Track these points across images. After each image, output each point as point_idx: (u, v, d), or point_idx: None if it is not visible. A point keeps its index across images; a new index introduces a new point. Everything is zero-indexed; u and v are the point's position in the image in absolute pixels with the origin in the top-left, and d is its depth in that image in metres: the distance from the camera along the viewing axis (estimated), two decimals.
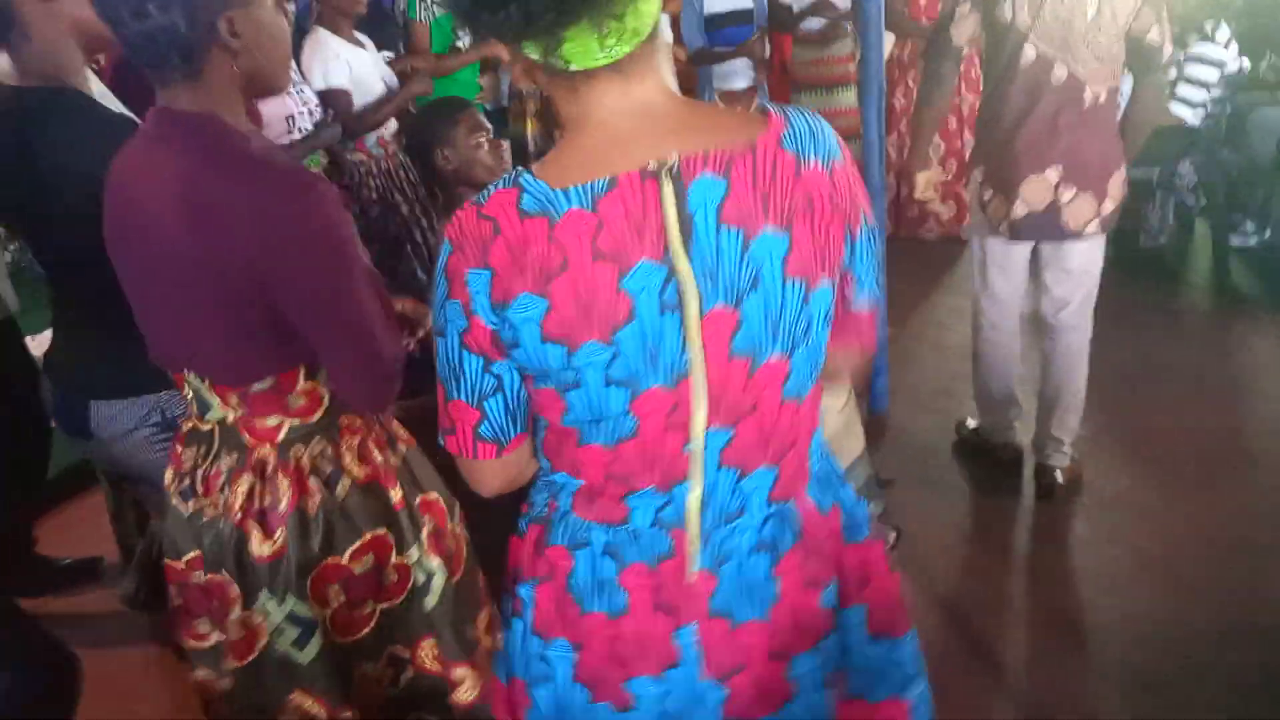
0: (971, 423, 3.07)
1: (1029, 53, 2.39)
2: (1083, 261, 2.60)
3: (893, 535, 2.54)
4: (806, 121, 0.92)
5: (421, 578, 1.43)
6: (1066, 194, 2.45)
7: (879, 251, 1.02)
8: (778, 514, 1.01)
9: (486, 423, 0.97)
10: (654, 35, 0.90)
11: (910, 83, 4.73)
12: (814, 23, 4.32)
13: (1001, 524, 2.72)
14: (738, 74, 4.35)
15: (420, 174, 2.57)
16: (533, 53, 0.87)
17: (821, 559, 1.04)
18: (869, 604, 1.08)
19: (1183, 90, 4.17)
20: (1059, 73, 2.39)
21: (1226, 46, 4.14)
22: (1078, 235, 2.51)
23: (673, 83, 0.96)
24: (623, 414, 0.93)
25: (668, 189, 0.86)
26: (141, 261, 1.25)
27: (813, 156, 0.90)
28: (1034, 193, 2.46)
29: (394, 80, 3.31)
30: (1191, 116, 4.19)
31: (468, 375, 0.95)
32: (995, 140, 2.51)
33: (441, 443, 1.01)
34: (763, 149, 0.88)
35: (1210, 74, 4.13)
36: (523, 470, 1.04)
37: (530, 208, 0.87)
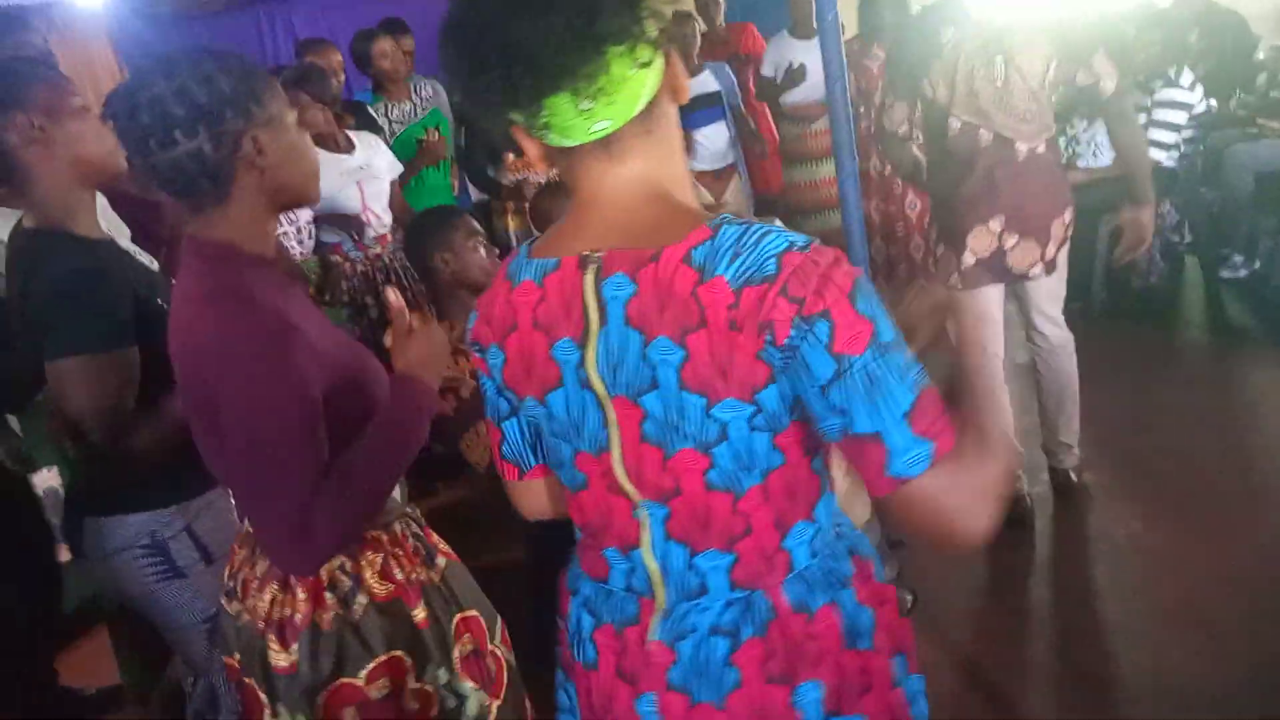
0: None
1: (954, 123, 2.64)
2: (1043, 294, 2.81)
3: (909, 599, 2.52)
4: (739, 238, 0.87)
5: (452, 702, 1.38)
6: (1010, 240, 2.65)
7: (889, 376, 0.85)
8: (742, 601, 0.98)
9: (506, 444, 1.11)
10: (648, 118, 0.92)
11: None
12: (797, 94, 4.41)
13: (1019, 581, 2.70)
14: (715, 155, 4.43)
15: (420, 276, 2.66)
16: (520, 122, 0.92)
17: (798, 657, 0.98)
18: (868, 715, 1.02)
19: (1154, 134, 4.25)
20: (985, 135, 2.61)
21: (1191, 89, 4.24)
22: (1024, 277, 2.73)
23: (681, 175, 1.00)
24: (571, 467, 1.01)
25: (589, 279, 0.93)
26: (180, 378, 1.29)
27: (720, 273, 0.86)
28: (979, 242, 2.66)
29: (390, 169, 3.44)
30: (1166, 158, 4.27)
31: (488, 397, 1.09)
32: (942, 201, 2.75)
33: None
34: (667, 258, 0.88)
35: (1178, 116, 4.23)
36: (554, 501, 1.13)
37: (510, 271, 1.01)
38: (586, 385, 0.94)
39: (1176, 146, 4.28)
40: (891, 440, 0.85)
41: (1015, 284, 2.79)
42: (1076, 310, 4.47)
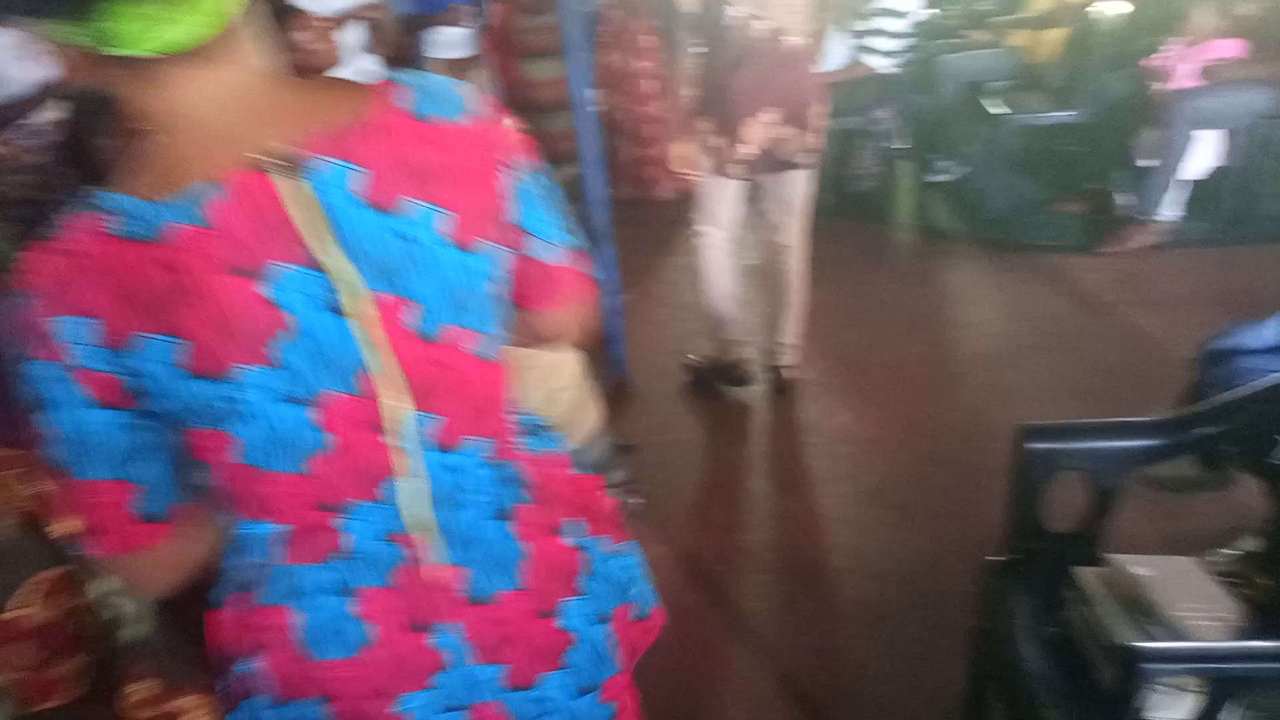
0: (695, 357, 3.25)
1: (730, 12, 2.65)
2: (794, 189, 2.91)
3: (638, 502, 2.55)
4: (431, 82, 0.86)
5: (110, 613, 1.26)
6: (778, 131, 2.73)
7: (556, 198, 0.96)
8: (501, 476, 0.96)
9: (145, 495, 0.83)
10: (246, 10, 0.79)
11: (635, 44, 4.74)
12: None
13: (739, 475, 2.81)
14: (457, 43, 4.23)
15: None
16: (79, 37, 0.72)
17: (556, 502, 1.01)
18: (600, 529, 1.06)
19: (873, 42, 4.42)
20: (759, 26, 2.64)
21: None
22: (791, 165, 2.82)
23: (262, 60, 0.83)
24: (306, 429, 0.82)
25: (285, 183, 0.77)
26: None
27: (438, 116, 0.84)
28: (752, 134, 2.71)
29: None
30: (884, 65, 4.45)
31: (99, 443, 0.80)
32: (715, 92, 2.74)
33: (84, 552, 0.84)
34: (388, 119, 0.82)
35: (896, 24, 4.40)
36: (201, 544, 0.91)
37: (123, 230, 0.75)
38: (331, 308, 0.80)
39: (894, 54, 4.47)
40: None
41: (776, 176, 2.87)
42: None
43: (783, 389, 3.13)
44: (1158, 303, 3.53)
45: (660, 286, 4.04)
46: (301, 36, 3.02)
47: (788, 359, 3.14)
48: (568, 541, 1.01)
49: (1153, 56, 3.99)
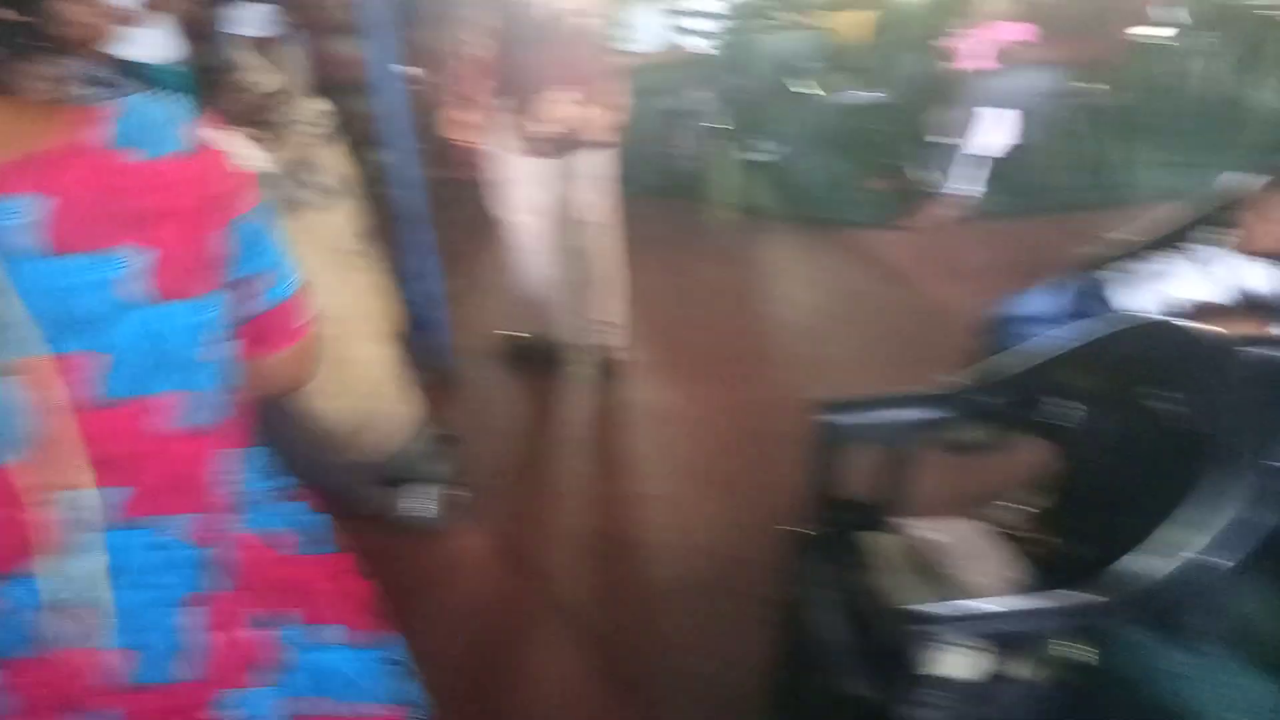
0: (516, 333, 3.24)
1: None
2: (598, 168, 2.87)
3: (464, 497, 2.49)
4: (142, 112, 0.77)
5: None
6: (576, 108, 2.67)
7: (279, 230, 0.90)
8: (195, 558, 0.87)
9: None
10: None
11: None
12: None
13: (567, 459, 2.79)
14: (258, 20, 3.99)
15: None
16: None
17: (262, 589, 0.93)
18: (320, 617, 1.00)
19: (691, 23, 4.46)
20: (550, 5, 2.61)
21: None
22: (592, 143, 2.76)
23: None
24: None
25: None
26: None
27: (143, 151, 0.75)
28: (548, 112, 2.66)
29: None
30: (700, 46, 4.51)
31: None
32: (506, 70, 2.68)
33: None
34: (75, 150, 0.73)
35: (713, 4, 4.47)
36: None
37: None
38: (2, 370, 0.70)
39: (711, 35, 4.53)
40: None
41: (577, 155, 2.82)
42: (626, 193, 4.72)
43: (608, 370, 3.13)
44: (955, 273, 3.74)
45: (487, 270, 3.95)
46: (69, 7, 2.76)
47: (611, 339, 3.13)
48: (264, 632, 0.94)
49: (947, 38, 4.20)
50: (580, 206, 2.96)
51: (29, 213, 0.70)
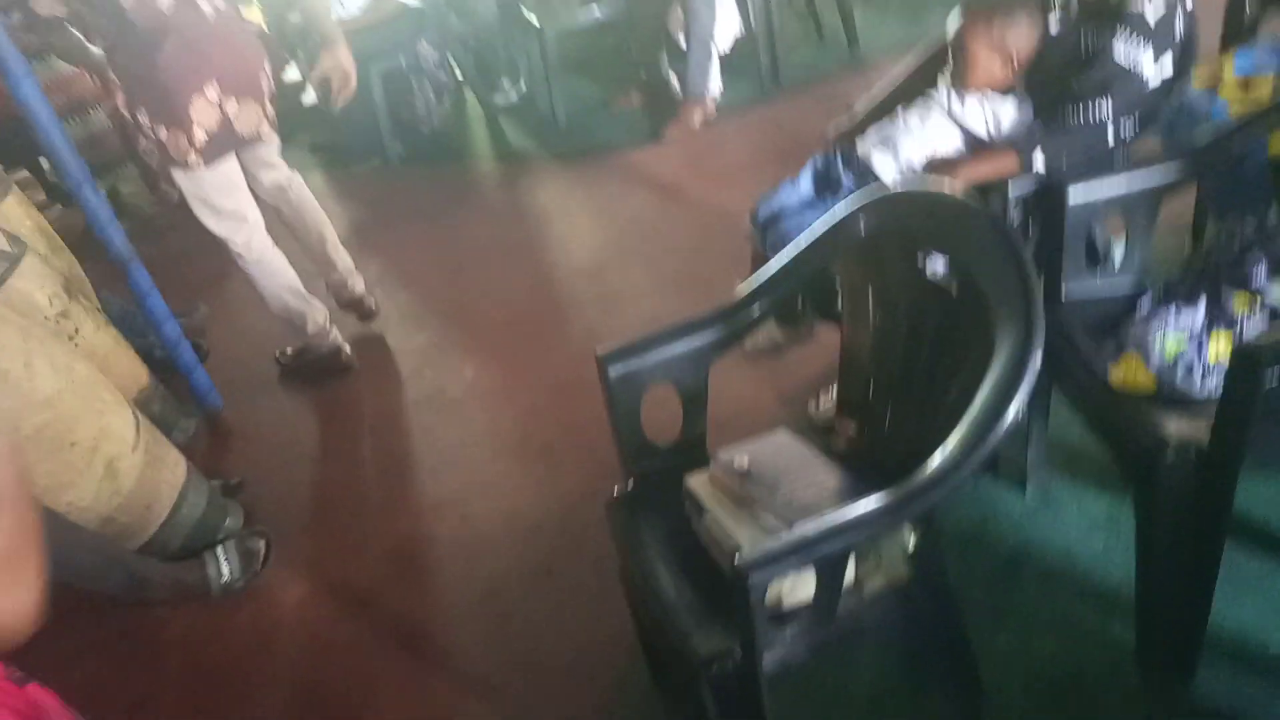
0: (287, 351, 3.01)
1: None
2: (271, 151, 2.70)
3: (262, 546, 2.24)
4: None
5: None
6: (231, 106, 2.45)
7: None
8: None
9: None
10: None
11: None
12: None
13: (371, 471, 2.59)
14: None
15: None
16: None
17: None
18: None
19: None
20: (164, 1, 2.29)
21: None
22: (256, 140, 2.58)
23: None
24: None
25: None
26: None
27: None
28: (204, 116, 2.40)
29: None
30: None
31: None
32: (142, 80, 2.35)
33: None
34: None
35: None
36: None
37: None
38: None
39: None
40: None
41: (248, 151, 2.62)
42: (375, 168, 4.43)
43: (367, 316, 3.06)
44: (725, 173, 3.70)
45: (239, 291, 3.61)
46: None
47: (359, 287, 3.01)
48: None
49: None
50: (272, 191, 2.76)
51: None
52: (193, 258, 3.34)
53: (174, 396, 2.71)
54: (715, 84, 4.09)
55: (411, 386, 2.86)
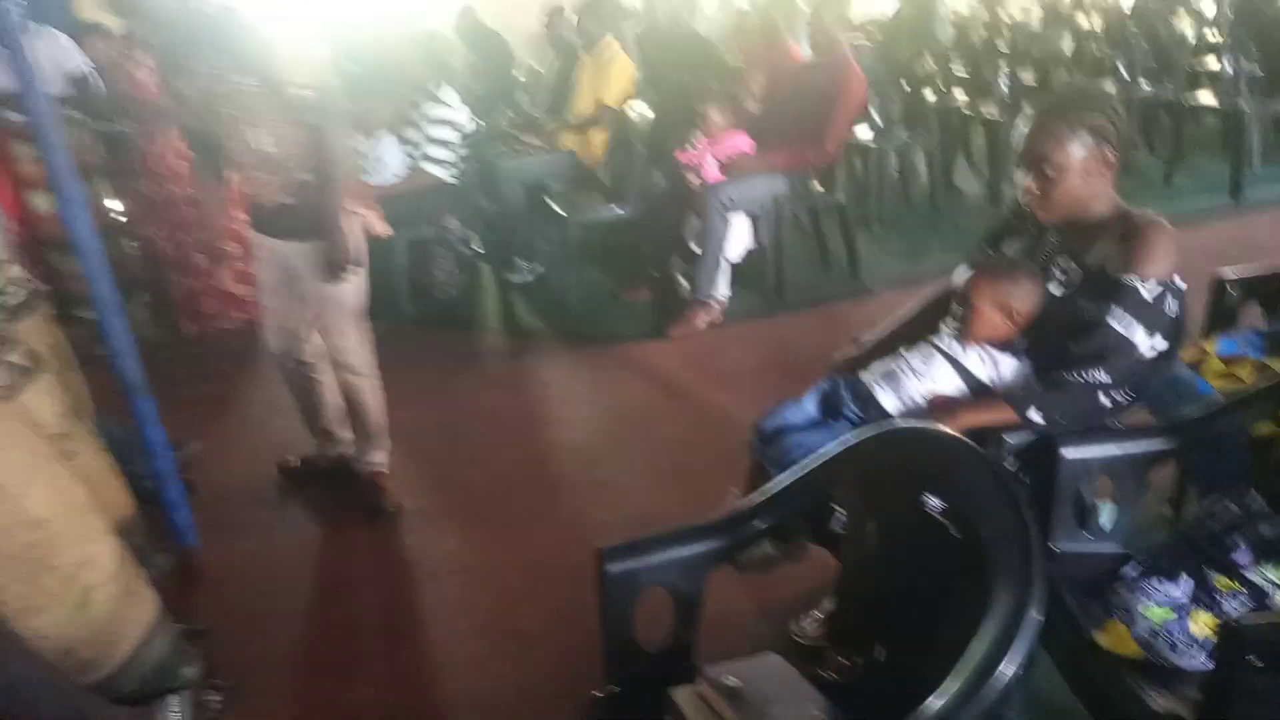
0: (294, 459, 3.13)
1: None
2: (342, 294, 2.78)
3: (217, 702, 2.16)
4: None
5: None
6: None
7: None
8: None
9: None
10: None
11: (166, 170, 4.28)
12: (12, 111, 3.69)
13: (342, 630, 2.51)
14: None
15: None
16: None
17: None
18: None
19: (432, 151, 4.42)
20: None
21: (457, 107, 4.49)
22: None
23: None
24: None
25: None
26: None
27: None
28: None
29: None
30: (446, 175, 4.47)
31: None
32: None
33: None
34: None
35: (449, 134, 4.45)
36: None
37: None
38: None
39: (453, 164, 4.50)
40: None
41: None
42: (387, 326, 4.53)
43: (376, 492, 3.01)
44: (725, 376, 3.82)
45: (239, 428, 3.63)
46: None
47: (380, 460, 3.05)
48: None
49: (685, 152, 4.39)
50: (332, 344, 2.86)
51: None
52: (191, 393, 3.38)
53: (151, 530, 2.67)
54: (723, 290, 4.29)
55: (390, 549, 2.83)
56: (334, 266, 2.66)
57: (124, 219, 4.27)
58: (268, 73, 2.52)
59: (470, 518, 2.96)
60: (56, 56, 4.00)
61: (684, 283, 4.45)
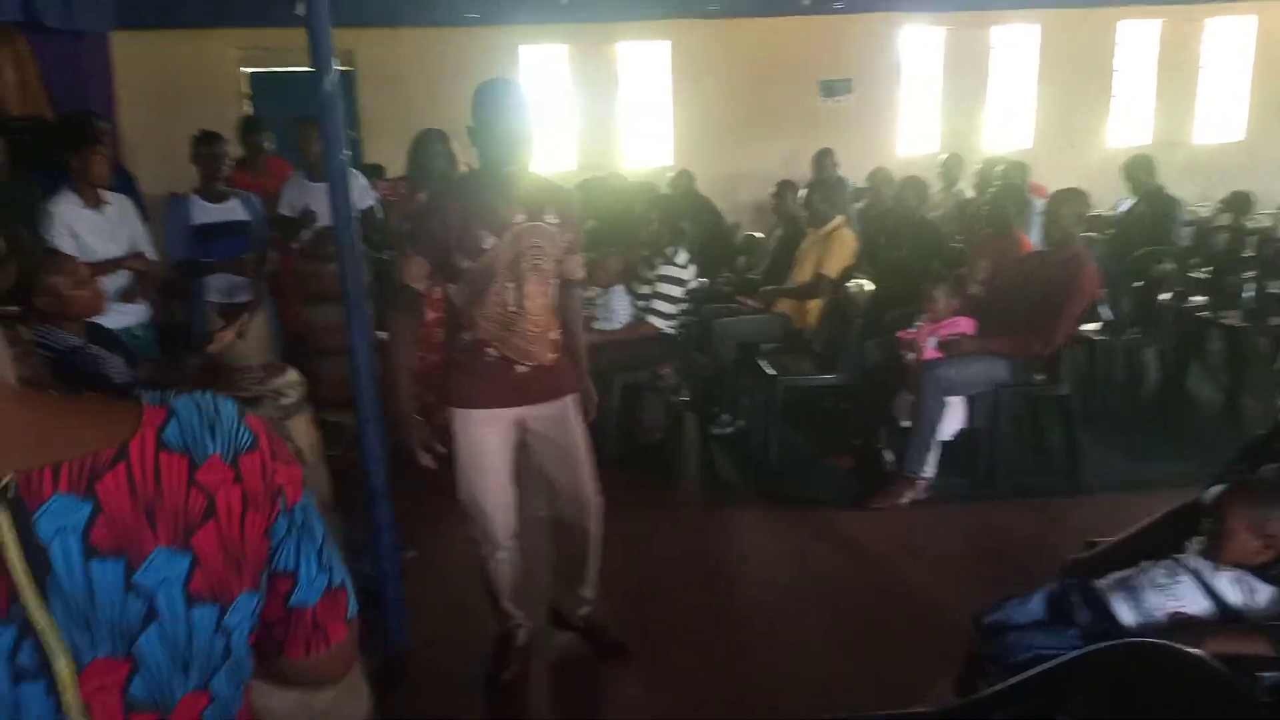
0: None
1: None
2: (572, 428, 2.81)
3: None
4: (200, 409, 0.79)
5: None
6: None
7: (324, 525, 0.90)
8: None
9: None
10: None
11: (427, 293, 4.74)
12: (309, 234, 4.26)
13: None
14: (234, 289, 4.30)
15: None
16: None
17: None
18: None
19: (657, 305, 4.68)
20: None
21: (685, 267, 4.75)
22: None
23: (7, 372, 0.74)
24: None
25: (3, 520, 0.66)
26: None
27: (210, 450, 0.77)
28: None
29: None
30: (667, 326, 4.70)
31: None
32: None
33: None
34: (138, 452, 0.73)
35: (675, 290, 4.70)
36: None
37: None
38: (27, 675, 0.68)
39: (675, 316, 4.74)
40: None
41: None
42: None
43: (599, 639, 2.98)
44: (923, 556, 3.70)
45: (450, 542, 3.83)
46: (63, 281, 2.80)
47: (590, 611, 3.00)
48: None
49: (906, 330, 4.42)
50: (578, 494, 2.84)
51: (85, 513, 0.69)
52: (427, 496, 3.60)
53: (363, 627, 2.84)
54: (930, 468, 4.20)
55: (581, 688, 2.85)
56: (590, 411, 2.82)
57: (384, 335, 4.71)
58: (577, 226, 2.68)
59: (657, 663, 2.96)
60: (355, 191, 4.59)
61: (888, 455, 4.39)
